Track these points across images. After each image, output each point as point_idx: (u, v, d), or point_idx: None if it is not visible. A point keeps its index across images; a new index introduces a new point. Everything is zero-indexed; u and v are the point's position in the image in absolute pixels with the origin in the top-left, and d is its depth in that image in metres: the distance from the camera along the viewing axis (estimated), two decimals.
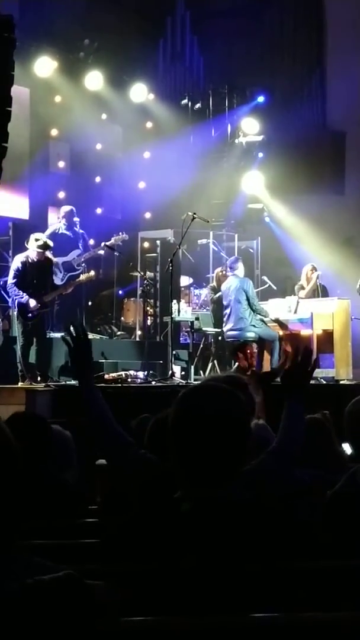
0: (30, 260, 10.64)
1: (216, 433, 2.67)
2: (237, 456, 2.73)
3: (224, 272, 13.32)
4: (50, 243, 10.92)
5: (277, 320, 11.94)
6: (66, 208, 12.78)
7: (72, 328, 3.55)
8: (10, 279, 10.58)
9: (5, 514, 2.04)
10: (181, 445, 2.71)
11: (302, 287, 12.72)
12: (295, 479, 3.98)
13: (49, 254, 10.91)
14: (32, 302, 10.46)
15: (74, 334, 3.52)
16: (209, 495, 2.67)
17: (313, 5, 17.23)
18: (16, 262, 10.69)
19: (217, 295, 12.65)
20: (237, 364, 10.41)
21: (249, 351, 10.18)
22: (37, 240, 10.71)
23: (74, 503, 3.97)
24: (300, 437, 3.36)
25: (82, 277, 11.82)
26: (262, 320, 11.58)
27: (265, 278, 13.72)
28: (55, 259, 11.62)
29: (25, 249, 10.76)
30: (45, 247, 10.75)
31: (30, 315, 10.39)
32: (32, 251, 10.67)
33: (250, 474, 2.93)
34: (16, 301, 10.45)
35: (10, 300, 10.79)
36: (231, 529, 2.62)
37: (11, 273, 10.63)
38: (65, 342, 3.54)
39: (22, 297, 10.42)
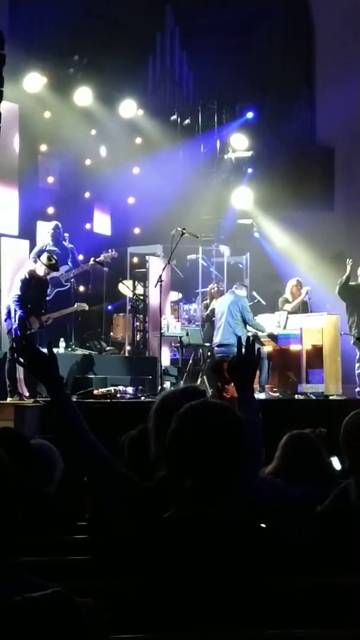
0: (36, 277, 10.68)
1: (218, 451, 2.67)
2: (235, 472, 2.73)
3: (217, 289, 13.39)
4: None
5: (270, 335, 11.95)
6: (51, 224, 12.82)
7: (20, 350, 3.49)
8: (17, 293, 10.54)
9: None
10: (183, 464, 2.69)
11: (287, 301, 12.74)
12: (282, 494, 3.98)
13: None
14: (35, 321, 10.52)
15: (23, 353, 3.45)
16: (205, 512, 2.66)
17: (302, 23, 17.33)
18: (22, 278, 10.66)
19: (208, 310, 12.69)
20: (220, 377, 10.40)
21: (227, 365, 10.17)
22: (49, 259, 10.79)
23: (56, 517, 3.96)
24: (259, 432, 3.44)
25: (76, 306, 11.92)
26: (255, 337, 11.59)
27: (254, 293, 13.73)
28: None
29: (16, 263, 10.77)
30: (55, 268, 10.95)
31: (28, 332, 10.36)
32: (39, 268, 10.71)
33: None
34: (17, 316, 10.39)
35: (6, 313, 10.72)
36: (223, 545, 2.61)
37: (19, 288, 10.58)
38: (18, 363, 3.50)
39: (23, 313, 10.40)
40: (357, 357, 12.38)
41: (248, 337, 3.93)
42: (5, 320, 10.87)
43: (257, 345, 3.88)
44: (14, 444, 4.01)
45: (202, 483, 2.66)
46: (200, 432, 2.70)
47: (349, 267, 12.28)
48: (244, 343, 3.79)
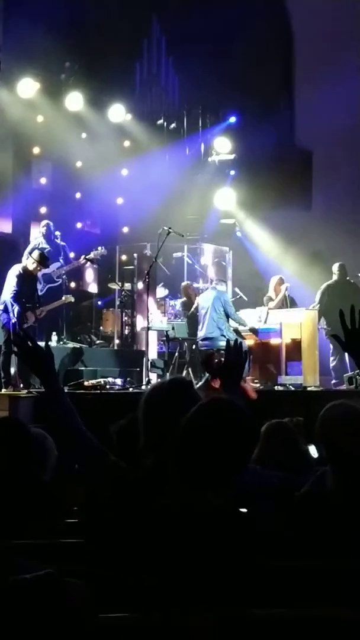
0: (27, 272, 10.64)
1: (228, 446, 2.68)
2: (241, 466, 2.75)
3: (190, 285, 13.41)
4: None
5: (252, 329, 11.97)
6: (43, 223, 12.82)
7: (18, 343, 3.47)
8: (13, 289, 10.47)
9: None
10: (192, 455, 2.70)
11: (271, 299, 12.76)
12: (262, 481, 3.99)
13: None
14: (31, 315, 10.51)
15: (20, 347, 3.43)
16: (195, 499, 2.67)
17: (281, 31, 17.34)
18: (16, 273, 10.58)
19: (194, 307, 12.70)
20: (210, 369, 10.42)
21: (216, 360, 10.18)
22: (40, 256, 10.76)
23: (50, 502, 3.97)
24: None
25: (64, 298, 11.87)
26: (236, 331, 11.62)
27: (237, 289, 13.74)
28: None
29: (9, 260, 10.71)
30: (45, 265, 10.95)
31: (25, 325, 10.34)
32: (31, 264, 10.66)
33: None
34: (16, 310, 10.35)
35: (1, 308, 10.67)
36: (208, 530, 2.63)
37: (14, 283, 10.51)
38: (16, 355, 3.49)
39: (20, 308, 10.37)
40: (331, 350, 12.45)
41: (236, 341, 3.93)
42: (1, 314, 10.82)
43: (244, 348, 3.89)
44: (15, 432, 4.01)
45: (204, 478, 2.67)
46: (213, 430, 2.70)
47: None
48: (232, 346, 3.78)
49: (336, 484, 3.09)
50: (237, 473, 2.73)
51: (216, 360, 9.77)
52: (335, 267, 12.82)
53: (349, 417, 3.14)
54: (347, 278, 12.79)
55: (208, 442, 2.67)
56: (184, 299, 13.49)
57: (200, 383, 10.75)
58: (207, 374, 9.61)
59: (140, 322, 13.30)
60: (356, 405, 3.20)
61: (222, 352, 10.49)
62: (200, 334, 11.62)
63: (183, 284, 13.80)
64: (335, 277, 12.76)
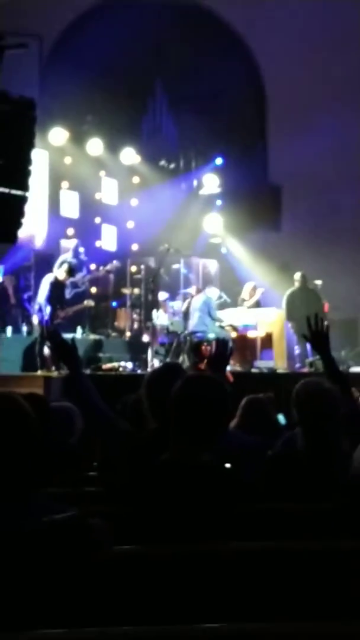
0: (59, 281, 10.60)
1: (209, 411, 2.66)
2: (221, 426, 2.74)
3: (196, 289, 13.41)
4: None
5: (231, 325, 11.99)
6: (72, 242, 12.86)
7: (50, 338, 3.55)
8: (47, 294, 10.41)
9: (25, 469, 2.03)
10: (182, 419, 2.68)
11: (244, 300, 12.83)
12: (242, 443, 3.98)
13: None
14: (60, 314, 10.47)
15: (52, 340, 3.50)
16: (191, 456, 2.66)
17: (257, 93, 17.35)
18: (50, 281, 10.51)
19: (184, 306, 12.69)
20: (197, 355, 10.40)
21: (204, 347, 10.16)
22: (69, 269, 10.71)
23: (74, 460, 3.96)
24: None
25: (85, 302, 11.84)
26: (220, 326, 11.66)
27: (222, 293, 13.74)
28: None
29: (44, 271, 10.68)
30: (72, 275, 10.96)
31: (55, 322, 10.29)
32: (61, 274, 10.61)
33: None
34: (49, 311, 10.30)
35: (37, 308, 10.64)
36: (200, 481, 2.62)
37: (48, 289, 10.42)
38: (48, 347, 3.55)
39: (52, 309, 10.32)
40: (296, 341, 12.46)
41: (224, 339, 4.00)
42: (37, 313, 10.82)
43: (229, 345, 3.92)
44: (38, 406, 3.99)
45: (194, 437, 2.65)
46: (198, 397, 2.69)
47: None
48: (219, 342, 3.89)
49: (305, 441, 3.10)
50: (218, 433, 2.71)
51: (202, 348, 9.75)
52: (297, 276, 12.81)
53: (316, 388, 3.18)
54: (307, 285, 12.79)
55: (194, 407, 2.66)
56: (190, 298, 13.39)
57: (188, 365, 10.74)
58: (194, 358, 9.58)
59: (146, 319, 13.28)
60: (321, 381, 3.25)
61: (206, 343, 10.52)
62: (190, 328, 11.67)
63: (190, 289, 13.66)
64: (297, 285, 12.74)
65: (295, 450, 3.14)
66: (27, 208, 7.91)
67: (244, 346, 11.98)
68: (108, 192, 15.28)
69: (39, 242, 13.21)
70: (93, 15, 15.83)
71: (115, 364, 11.06)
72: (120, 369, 10.89)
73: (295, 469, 3.01)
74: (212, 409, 2.66)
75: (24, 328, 11.68)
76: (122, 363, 11.25)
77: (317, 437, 3.06)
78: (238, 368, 11.46)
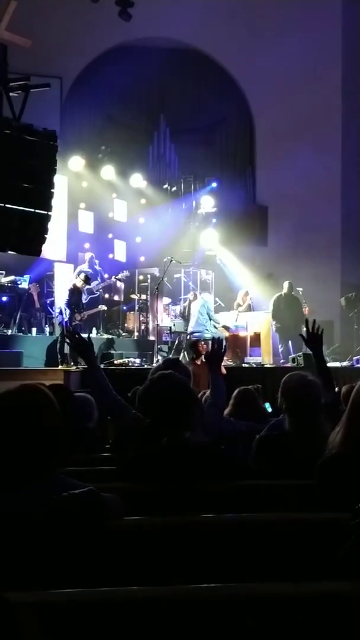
0: (77, 288, 10.64)
1: (173, 402, 2.70)
2: (187, 414, 2.76)
3: (194, 295, 13.40)
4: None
5: (224, 326, 11.99)
6: (88, 255, 12.89)
7: (70, 337, 3.57)
8: (66, 299, 10.46)
9: (50, 451, 2.03)
10: (151, 410, 2.74)
11: (239, 304, 12.82)
12: (234, 428, 3.98)
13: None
14: (78, 317, 10.46)
15: (71, 339, 3.52)
16: (181, 439, 2.66)
17: (247, 125, 17.35)
18: (69, 287, 10.62)
19: (185, 309, 12.67)
20: (195, 352, 10.37)
21: (201, 345, 10.15)
22: (85, 277, 10.78)
23: (94, 442, 3.96)
24: (223, 393, 3.57)
25: (99, 307, 11.86)
26: (215, 326, 11.64)
27: (217, 299, 13.75)
28: None
29: (64, 279, 10.68)
30: (88, 283, 10.96)
31: (74, 323, 10.32)
32: (79, 282, 10.67)
33: (201, 421, 2.97)
34: (68, 314, 10.35)
35: (58, 311, 10.69)
36: (196, 460, 2.62)
37: (68, 295, 10.49)
38: (68, 344, 3.58)
39: (71, 312, 10.37)
40: (279, 340, 12.46)
41: (220, 339, 4.01)
42: (58, 316, 10.85)
43: (223, 343, 3.97)
44: (63, 395, 3.98)
45: (166, 423, 2.69)
46: (162, 391, 2.72)
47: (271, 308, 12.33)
48: (215, 341, 3.92)
49: (290, 425, 3.11)
50: (187, 417, 2.75)
51: (199, 345, 9.73)
52: (285, 284, 12.82)
53: (301, 380, 3.19)
54: (292, 292, 12.79)
55: (156, 402, 2.73)
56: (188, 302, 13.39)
57: (187, 360, 10.72)
58: (192, 354, 9.56)
59: (151, 321, 13.29)
60: (305, 374, 3.25)
61: (203, 341, 10.51)
62: (189, 329, 11.67)
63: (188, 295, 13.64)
64: (284, 290, 12.74)
65: (281, 433, 3.15)
66: (50, 225, 7.92)
67: (236, 344, 11.97)
68: (119, 211, 15.28)
69: (60, 255, 13.20)
70: (107, 59, 15.85)
71: (125, 360, 11.06)
72: (130, 364, 10.89)
73: (281, 449, 3.01)
74: (174, 398, 2.71)
75: (47, 329, 11.69)
76: (131, 359, 11.25)
77: (301, 422, 3.06)
78: (230, 363, 11.46)
